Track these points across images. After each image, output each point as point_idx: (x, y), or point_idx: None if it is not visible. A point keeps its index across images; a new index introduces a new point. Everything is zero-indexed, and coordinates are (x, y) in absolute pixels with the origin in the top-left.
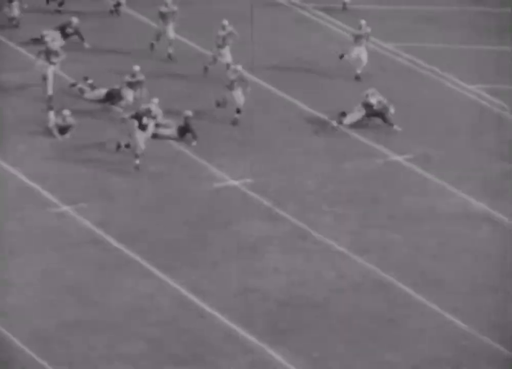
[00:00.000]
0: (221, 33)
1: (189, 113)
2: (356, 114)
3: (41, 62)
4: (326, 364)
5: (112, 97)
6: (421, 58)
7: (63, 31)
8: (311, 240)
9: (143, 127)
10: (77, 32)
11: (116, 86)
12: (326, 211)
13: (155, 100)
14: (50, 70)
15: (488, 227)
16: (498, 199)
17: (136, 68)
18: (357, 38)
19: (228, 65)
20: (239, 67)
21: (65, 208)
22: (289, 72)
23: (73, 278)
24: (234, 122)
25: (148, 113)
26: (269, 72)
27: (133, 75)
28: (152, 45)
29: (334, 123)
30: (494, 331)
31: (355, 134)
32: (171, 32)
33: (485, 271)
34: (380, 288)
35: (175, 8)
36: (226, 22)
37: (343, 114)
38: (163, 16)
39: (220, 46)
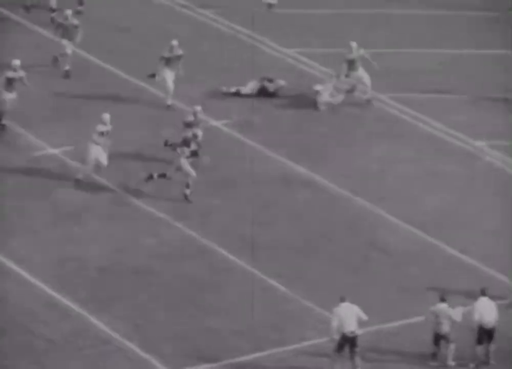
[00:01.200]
0: (168, 54)
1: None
2: (250, 86)
3: None
4: (149, 331)
5: None
6: (238, 23)
7: None
8: (131, 207)
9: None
10: None
11: None
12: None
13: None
14: None
15: (308, 191)
16: (318, 162)
17: (17, 62)
18: (351, 63)
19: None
20: (198, 108)
21: None
22: (107, 40)
23: None
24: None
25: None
26: (88, 41)
27: (14, 70)
28: (55, 59)
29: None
30: (315, 294)
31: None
32: (69, 47)
33: (305, 235)
34: (201, 254)
35: (76, 21)
36: (175, 42)
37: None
38: (64, 30)
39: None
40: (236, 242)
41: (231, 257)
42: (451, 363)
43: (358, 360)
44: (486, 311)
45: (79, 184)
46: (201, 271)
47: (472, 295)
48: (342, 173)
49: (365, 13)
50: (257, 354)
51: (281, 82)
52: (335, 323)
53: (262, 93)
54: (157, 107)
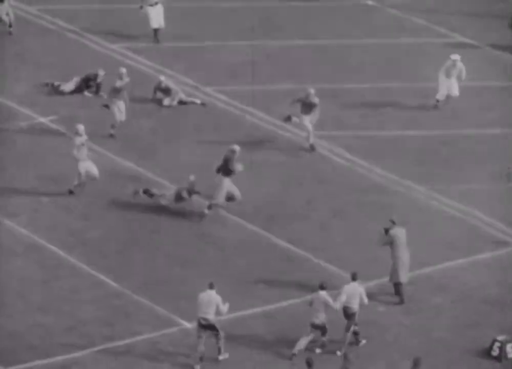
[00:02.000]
0: (119, 83)
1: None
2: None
3: None
4: None
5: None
6: (62, 20)
7: None
8: None
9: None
10: None
11: None
12: None
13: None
14: None
15: (135, 185)
16: (145, 156)
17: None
18: (306, 107)
19: (117, 123)
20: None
21: None
22: None
23: None
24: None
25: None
26: None
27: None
28: None
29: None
30: (146, 289)
31: None
32: None
33: (134, 230)
34: (30, 251)
35: None
36: (123, 70)
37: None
38: None
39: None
40: (65, 237)
41: (61, 253)
42: (318, 350)
43: (221, 344)
44: (352, 295)
45: (73, 192)
46: (31, 267)
47: (303, 287)
48: (169, 166)
49: (192, 6)
50: (88, 350)
51: (101, 73)
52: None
53: (86, 88)
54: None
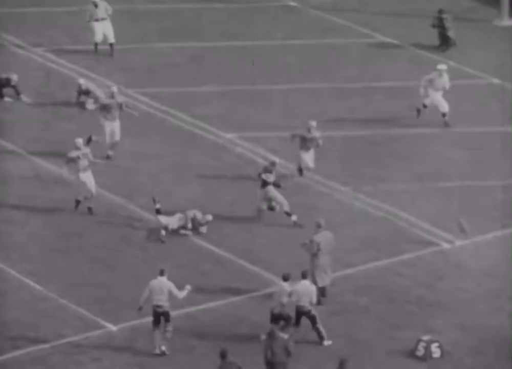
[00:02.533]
0: (111, 101)
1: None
2: None
3: None
4: None
5: None
6: None
7: None
8: None
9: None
10: None
11: None
12: None
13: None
14: None
15: (59, 188)
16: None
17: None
18: (306, 142)
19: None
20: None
21: None
22: None
23: None
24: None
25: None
26: None
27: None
28: None
29: None
30: (70, 292)
31: None
32: None
33: (58, 233)
34: None
35: None
36: (115, 88)
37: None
38: None
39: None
40: None
41: None
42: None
43: (168, 337)
44: (304, 294)
45: (78, 206)
46: None
47: (226, 288)
48: (94, 170)
49: (113, 9)
50: (13, 353)
51: (14, 77)
52: (145, 294)
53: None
54: None
